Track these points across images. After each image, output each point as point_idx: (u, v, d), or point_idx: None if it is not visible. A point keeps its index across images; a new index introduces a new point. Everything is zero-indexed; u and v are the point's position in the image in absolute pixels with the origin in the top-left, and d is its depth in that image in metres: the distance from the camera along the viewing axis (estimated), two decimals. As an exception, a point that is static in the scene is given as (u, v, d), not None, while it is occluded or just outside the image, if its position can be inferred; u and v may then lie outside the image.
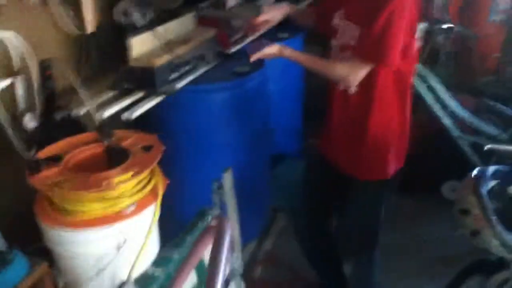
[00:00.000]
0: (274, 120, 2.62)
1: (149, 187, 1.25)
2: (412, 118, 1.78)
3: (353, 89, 1.66)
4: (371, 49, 1.56)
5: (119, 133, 1.40)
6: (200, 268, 1.50)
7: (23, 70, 1.68)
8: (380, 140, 1.71)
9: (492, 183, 1.28)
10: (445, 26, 3.02)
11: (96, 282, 1.21)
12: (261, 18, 1.87)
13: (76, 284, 1.23)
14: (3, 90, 1.62)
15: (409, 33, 1.57)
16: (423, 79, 2.71)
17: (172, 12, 2.14)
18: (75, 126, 1.74)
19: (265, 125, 2.36)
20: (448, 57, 3.29)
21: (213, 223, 1.52)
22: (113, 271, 1.22)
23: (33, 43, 1.67)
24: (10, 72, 1.66)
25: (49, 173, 1.19)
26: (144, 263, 1.29)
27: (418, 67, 2.65)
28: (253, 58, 1.73)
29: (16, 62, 1.67)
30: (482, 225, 1.16)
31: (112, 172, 1.17)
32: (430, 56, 3.21)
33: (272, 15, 1.89)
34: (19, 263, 1.16)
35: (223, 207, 1.57)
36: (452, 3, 3.29)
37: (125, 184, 1.18)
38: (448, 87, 2.91)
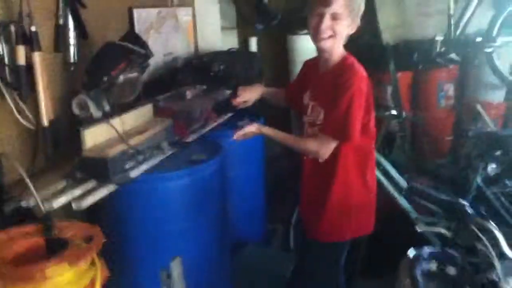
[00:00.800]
0: (235, 206, 2.65)
1: (86, 280, 1.22)
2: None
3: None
4: (336, 128, 1.74)
5: (61, 224, 1.39)
6: None
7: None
8: (341, 205, 1.84)
9: (432, 264, 1.30)
10: (395, 112, 3.20)
11: None
12: (239, 99, 2.08)
13: None
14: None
15: (367, 113, 1.76)
16: (377, 164, 2.80)
17: (129, 104, 2.23)
18: (28, 216, 1.73)
19: (222, 212, 2.36)
20: (404, 141, 3.45)
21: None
22: None
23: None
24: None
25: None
26: None
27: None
28: (236, 136, 1.89)
29: (-35, 156, 1.68)
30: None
31: (47, 263, 1.15)
32: (387, 141, 3.38)
33: (249, 96, 2.10)
34: None
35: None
36: (403, 92, 3.53)
37: (61, 276, 1.16)
38: (407, 170, 3.03)
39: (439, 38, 3.26)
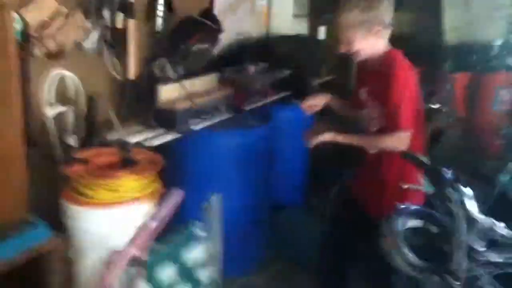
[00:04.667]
0: (280, 174, 3.01)
1: (148, 190, 1.65)
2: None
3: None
4: (401, 120, 1.77)
5: (135, 150, 1.84)
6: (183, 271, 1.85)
7: (75, 102, 2.20)
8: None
9: (418, 222, 1.56)
10: (445, 109, 3.36)
11: (97, 254, 1.59)
12: (308, 102, 2.12)
13: (81, 255, 1.61)
14: (58, 114, 2.13)
15: (418, 100, 1.85)
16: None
17: (200, 71, 2.65)
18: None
19: (265, 174, 2.72)
20: (451, 138, 3.59)
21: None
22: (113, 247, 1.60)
23: (86, 82, 2.20)
24: (65, 101, 2.18)
25: (78, 168, 1.64)
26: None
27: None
28: (310, 143, 1.92)
29: (71, 95, 2.19)
30: (392, 247, 1.45)
31: (121, 172, 1.59)
32: (434, 136, 3.54)
33: (317, 101, 2.13)
34: (42, 230, 1.57)
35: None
36: (460, 92, 3.65)
37: (129, 182, 1.60)
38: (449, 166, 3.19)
39: (499, 42, 3.34)
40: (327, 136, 1.88)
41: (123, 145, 1.83)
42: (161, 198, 1.68)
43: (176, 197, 1.72)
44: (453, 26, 3.72)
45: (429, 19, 3.78)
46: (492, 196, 2.65)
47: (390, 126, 1.80)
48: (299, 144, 3.28)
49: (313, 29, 4.47)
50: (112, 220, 1.60)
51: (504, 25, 3.45)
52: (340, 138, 1.89)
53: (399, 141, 1.78)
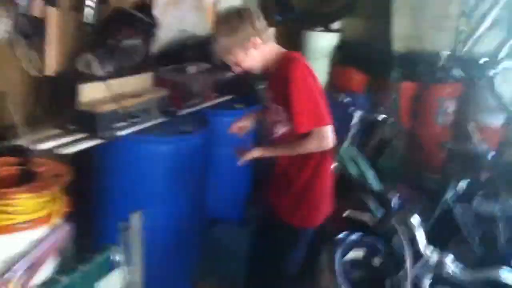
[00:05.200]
0: (217, 184, 2.79)
1: (46, 210, 1.38)
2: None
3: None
4: (313, 118, 1.81)
5: (38, 160, 1.56)
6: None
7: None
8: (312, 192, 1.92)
9: (360, 252, 1.41)
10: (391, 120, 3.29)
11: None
12: (237, 124, 2.20)
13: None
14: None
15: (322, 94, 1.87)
16: (355, 163, 2.89)
17: (132, 70, 2.38)
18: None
19: (199, 186, 2.49)
20: (396, 150, 3.53)
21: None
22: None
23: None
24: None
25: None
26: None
27: (352, 150, 2.86)
28: (241, 161, 1.99)
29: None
30: (330, 285, 1.28)
31: (13, 188, 1.32)
32: (379, 146, 3.47)
33: (244, 122, 2.21)
34: None
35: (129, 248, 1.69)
36: (406, 102, 3.60)
37: (23, 201, 1.32)
38: (393, 177, 3.11)
39: (446, 53, 3.31)
40: (256, 153, 1.96)
41: (22, 153, 1.54)
42: (63, 220, 1.41)
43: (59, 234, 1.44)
44: (402, 35, 3.67)
45: (380, 27, 3.70)
46: (435, 212, 2.58)
47: (303, 127, 1.81)
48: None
49: (262, 30, 4.31)
50: (4, 246, 1.31)
51: (451, 36, 3.41)
52: (267, 152, 1.97)
53: (320, 139, 1.80)
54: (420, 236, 1.31)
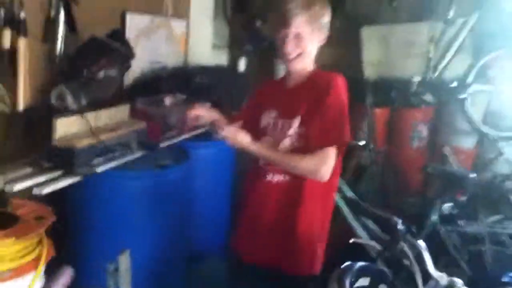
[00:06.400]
0: (199, 217, 2.69)
1: (31, 256, 1.26)
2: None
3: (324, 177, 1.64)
4: (333, 135, 1.63)
5: (17, 202, 1.43)
6: None
7: None
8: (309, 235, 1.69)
9: (365, 280, 1.36)
10: (368, 145, 3.31)
11: None
12: (194, 111, 1.89)
13: None
14: None
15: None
16: (339, 190, 2.86)
17: (107, 102, 2.29)
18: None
19: (181, 220, 2.40)
20: (374, 175, 3.54)
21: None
22: None
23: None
24: None
25: None
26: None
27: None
28: (223, 134, 1.67)
29: None
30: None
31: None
32: (357, 172, 3.47)
33: (205, 113, 1.92)
34: None
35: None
36: (380, 127, 3.63)
37: (7, 249, 1.20)
38: (373, 202, 3.10)
39: (417, 78, 3.39)
40: (245, 141, 1.65)
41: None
42: (48, 268, 1.29)
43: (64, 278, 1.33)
44: (372, 62, 3.74)
45: (350, 55, 3.77)
46: (421, 235, 2.57)
47: (313, 144, 1.63)
48: (222, 184, 3.04)
49: (233, 60, 4.33)
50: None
51: (421, 62, 3.51)
52: (255, 148, 1.66)
53: (321, 162, 1.59)
54: (428, 258, 1.27)
